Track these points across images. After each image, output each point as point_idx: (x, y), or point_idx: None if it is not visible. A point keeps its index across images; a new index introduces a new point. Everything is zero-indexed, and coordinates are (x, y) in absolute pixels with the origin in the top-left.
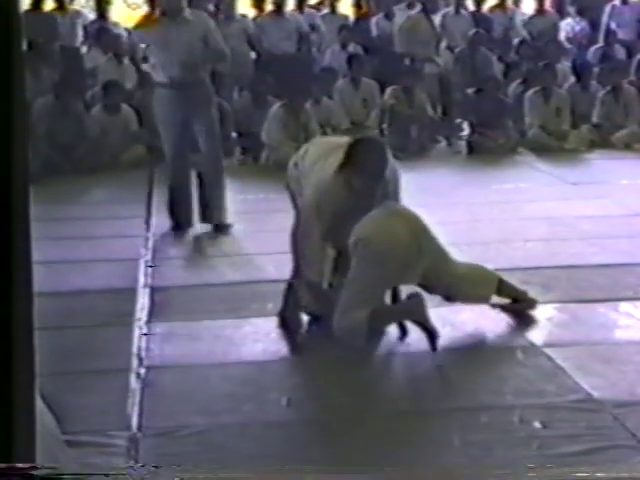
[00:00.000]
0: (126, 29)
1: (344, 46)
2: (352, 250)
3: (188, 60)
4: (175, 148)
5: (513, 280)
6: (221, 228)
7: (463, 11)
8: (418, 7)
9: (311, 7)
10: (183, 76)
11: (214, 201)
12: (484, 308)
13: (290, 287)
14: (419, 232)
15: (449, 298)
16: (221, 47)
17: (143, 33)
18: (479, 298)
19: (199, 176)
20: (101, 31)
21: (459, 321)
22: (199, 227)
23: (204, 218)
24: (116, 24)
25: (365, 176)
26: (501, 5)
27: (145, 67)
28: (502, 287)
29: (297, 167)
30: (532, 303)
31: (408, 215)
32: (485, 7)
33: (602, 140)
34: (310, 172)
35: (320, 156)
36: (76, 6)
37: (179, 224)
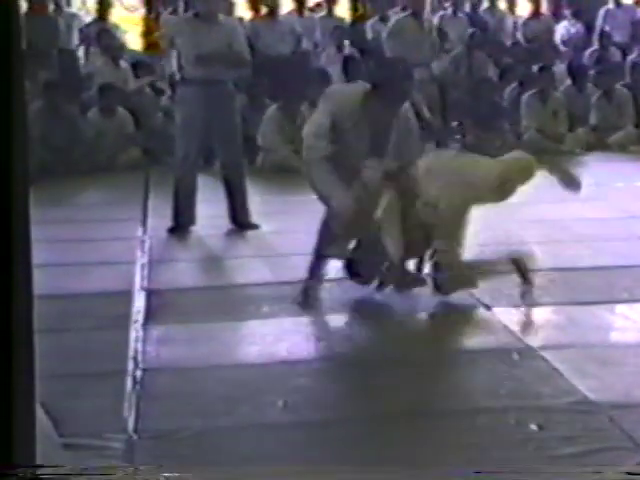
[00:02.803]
0: (123, 31)
1: (340, 49)
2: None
3: (214, 59)
4: (188, 149)
5: (509, 283)
6: (248, 227)
7: (460, 13)
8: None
9: (308, 9)
10: (209, 74)
11: (239, 203)
12: (481, 311)
13: (317, 257)
14: None
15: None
16: (244, 53)
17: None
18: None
19: (224, 181)
20: (99, 33)
21: (454, 323)
22: (195, 230)
23: (233, 220)
24: (114, 26)
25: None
26: (491, 8)
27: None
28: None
29: None
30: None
31: None
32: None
33: (598, 142)
34: None
35: None
36: (72, 8)
37: (179, 225)
